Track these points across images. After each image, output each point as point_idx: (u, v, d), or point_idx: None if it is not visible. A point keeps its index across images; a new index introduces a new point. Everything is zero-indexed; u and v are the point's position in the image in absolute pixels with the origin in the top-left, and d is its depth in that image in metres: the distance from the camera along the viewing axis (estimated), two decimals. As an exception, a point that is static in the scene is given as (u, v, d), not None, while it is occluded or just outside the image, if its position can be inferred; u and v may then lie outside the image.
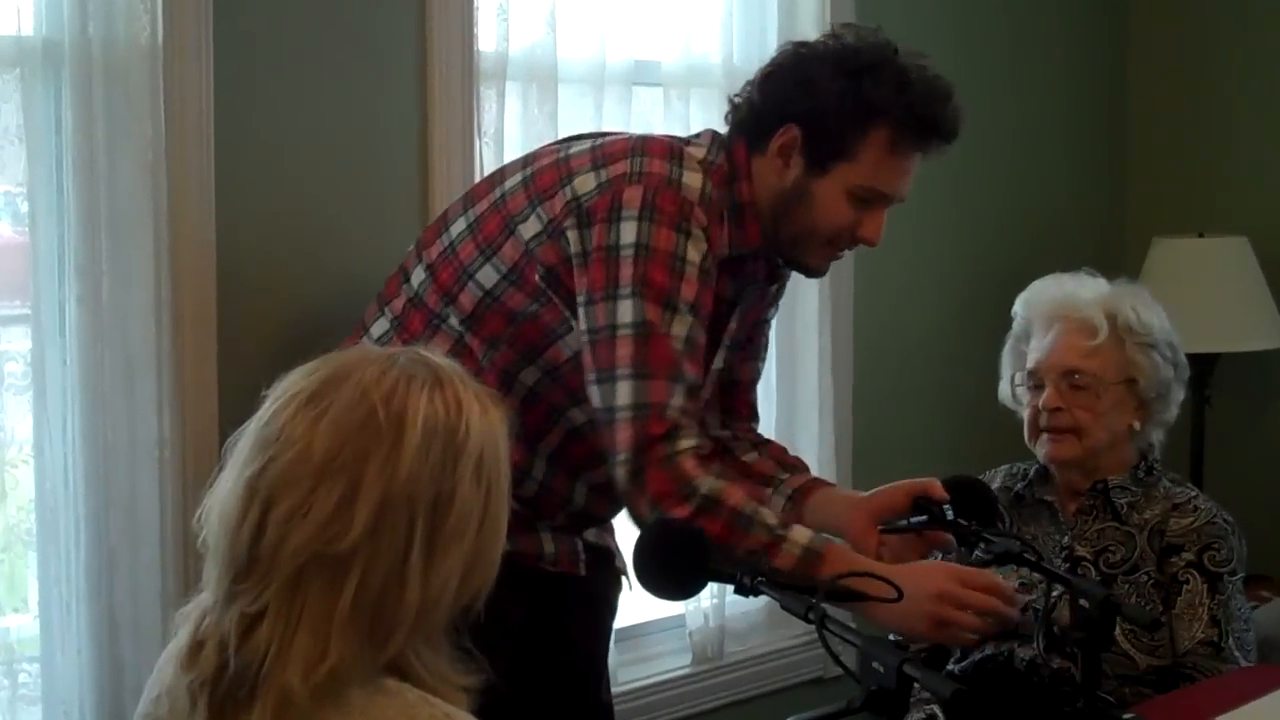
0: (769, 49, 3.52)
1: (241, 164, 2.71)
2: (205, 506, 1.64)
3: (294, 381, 1.64)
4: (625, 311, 2.31)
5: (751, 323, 2.59)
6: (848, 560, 2.27)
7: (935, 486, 2.47)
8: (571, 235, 2.35)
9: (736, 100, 2.50)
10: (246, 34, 2.71)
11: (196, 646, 1.62)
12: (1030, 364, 2.98)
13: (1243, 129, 4.28)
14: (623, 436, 2.29)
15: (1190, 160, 4.35)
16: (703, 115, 3.39)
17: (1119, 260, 4.16)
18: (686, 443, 2.29)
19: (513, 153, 3.03)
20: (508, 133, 3.04)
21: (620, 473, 2.30)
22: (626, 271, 2.31)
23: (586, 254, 2.34)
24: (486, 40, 3.02)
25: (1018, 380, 3.02)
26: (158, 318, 2.56)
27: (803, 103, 2.39)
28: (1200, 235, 4.07)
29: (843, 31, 2.46)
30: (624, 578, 2.67)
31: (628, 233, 2.32)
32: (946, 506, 2.44)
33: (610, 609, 2.72)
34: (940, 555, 2.54)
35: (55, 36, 2.49)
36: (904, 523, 2.44)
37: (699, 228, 2.35)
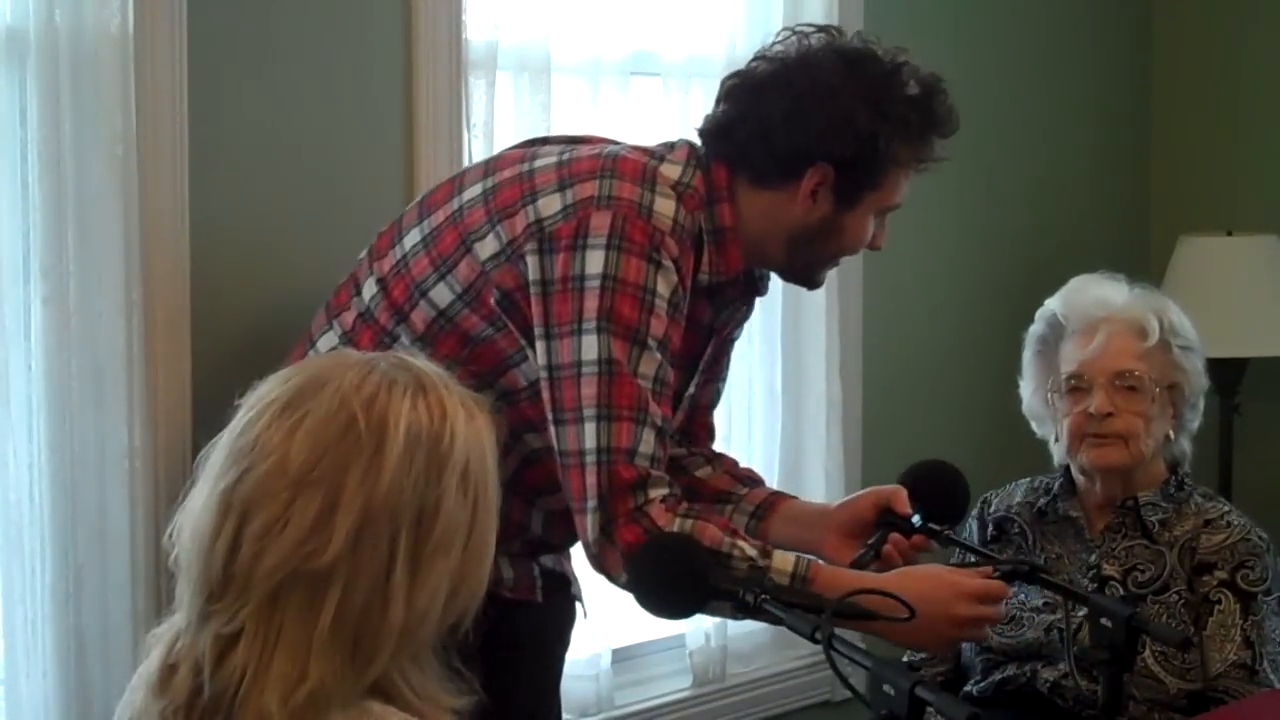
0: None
1: (217, 158, 2.70)
2: (176, 523, 1.64)
3: (268, 389, 1.64)
4: (590, 348, 2.29)
5: (718, 344, 2.58)
6: (839, 579, 2.29)
7: (899, 498, 2.48)
8: (531, 260, 2.32)
9: (720, 121, 2.45)
10: (222, 21, 2.70)
11: (169, 671, 1.62)
12: (1072, 367, 2.95)
13: (1271, 123, 4.28)
14: (590, 482, 2.28)
15: (1217, 156, 4.35)
16: (704, 108, 3.37)
17: (1144, 260, 4.17)
18: (656, 492, 2.29)
19: (503, 146, 3.02)
20: (498, 125, 3.04)
21: (589, 521, 2.29)
22: (592, 304, 2.29)
23: (547, 283, 2.31)
24: (476, 28, 3.01)
25: (1053, 385, 2.99)
26: (128, 320, 2.54)
27: (845, 148, 2.38)
28: (1228, 233, 4.07)
29: (832, 39, 2.44)
30: (579, 604, 2.67)
31: (594, 262, 2.30)
32: (915, 517, 2.46)
33: (563, 639, 2.71)
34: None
35: (20, 25, 2.48)
36: (869, 554, 2.44)
37: (669, 259, 2.33)
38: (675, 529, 2.26)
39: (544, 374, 2.32)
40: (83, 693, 2.54)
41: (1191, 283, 3.83)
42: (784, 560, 2.29)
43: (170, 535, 1.64)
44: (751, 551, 2.28)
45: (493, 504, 1.66)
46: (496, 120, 3.03)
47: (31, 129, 2.49)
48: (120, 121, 2.52)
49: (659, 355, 2.32)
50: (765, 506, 2.58)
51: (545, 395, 2.32)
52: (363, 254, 2.53)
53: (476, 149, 3.00)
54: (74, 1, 2.48)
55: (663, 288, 2.32)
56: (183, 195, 2.64)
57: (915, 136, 2.42)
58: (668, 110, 3.32)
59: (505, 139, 3.04)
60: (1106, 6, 4.34)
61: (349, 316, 2.47)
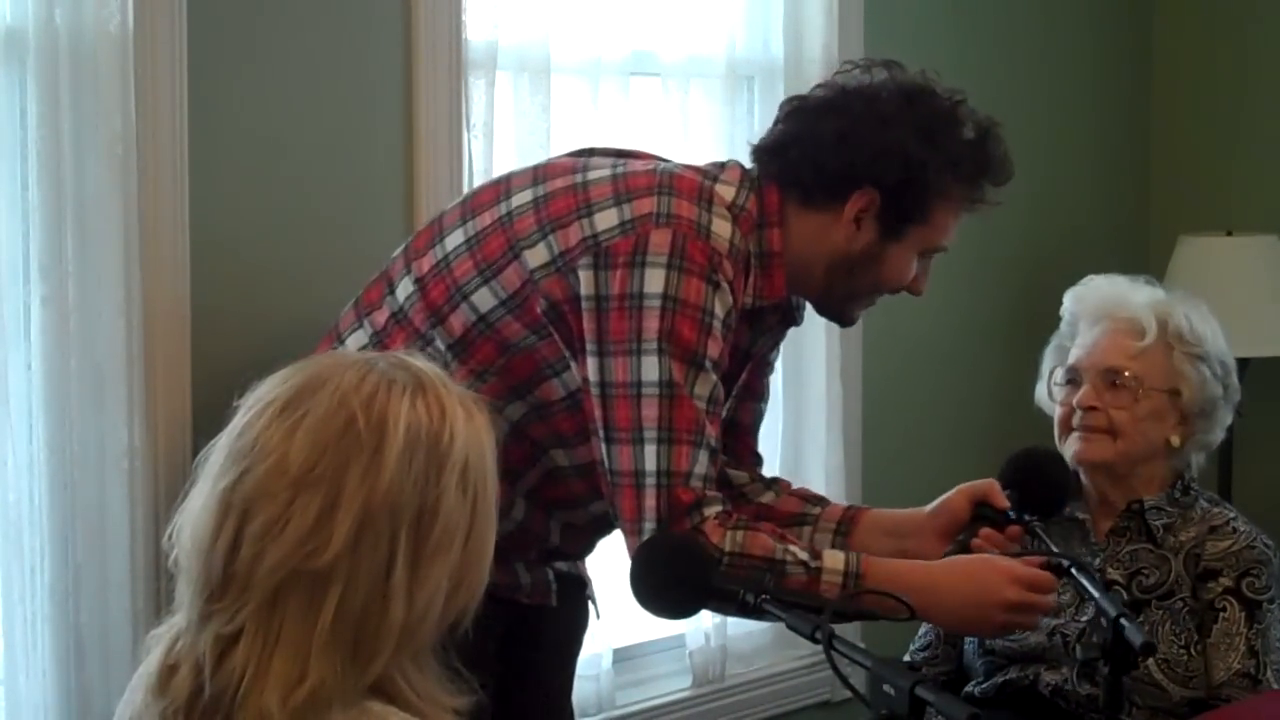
0: (773, 39, 3.53)
1: (216, 159, 2.70)
2: (176, 524, 1.64)
3: (267, 390, 1.64)
4: (650, 369, 2.28)
5: (752, 368, 2.58)
6: (888, 572, 2.31)
7: (995, 492, 2.51)
8: (585, 275, 2.30)
9: (775, 140, 2.46)
10: (222, 21, 2.70)
11: (168, 671, 1.62)
12: (1071, 360, 2.97)
13: (1271, 123, 4.27)
14: (649, 504, 2.28)
15: (1217, 156, 4.35)
16: (704, 108, 3.39)
17: (1144, 260, 4.16)
18: (710, 510, 2.29)
19: (503, 147, 3.03)
20: (498, 125, 3.03)
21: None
22: (652, 323, 2.28)
23: (602, 299, 2.30)
24: (476, 28, 3.01)
25: (1056, 377, 3.00)
26: (127, 320, 2.54)
27: (893, 173, 2.38)
28: (1228, 233, 4.07)
29: (894, 73, 2.45)
30: (592, 605, 2.68)
31: (654, 281, 2.28)
32: (1009, 511, 2.49)
33: (577, 641, 2.72)
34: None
35: (19, 24, 2.48)
36: (957, 549, 2.50)
37: (725, 281, 2.32)
38: (729, 545, 2.26)
39: (595, 390, 2.31)
40: (82, 692, 2.54)
41: (1192, 283, 3.81)
42: (834, 559, 2.30)
43: (170, 536, 1.64)
44: (803, 555, 2.29)
45: (491, 502, 1.66)
46: (496, 120, 3.03)
47: (31, 129, 2.48)
48: (120, 121, 2.51)
49: (713, 376, 2.31)
50: (848, 522, 2.57)
51: (597, 413, 2.31)
52: (397, 252, 2.51)
53: (476, 149, 3.00)
54: (74, 1, 2.48)
55: (719, 309, 2.31)
56: (183, 195, 2.64)
57: (966, 175, 2.43)
58: (668, 110, 3.32)
59: (505, 139, 3.04)
60: (1106, 7, 4.34)
61: (381, 316, 2.45)
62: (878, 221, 2.41)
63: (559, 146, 2.94)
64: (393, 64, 2.93)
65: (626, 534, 2.31)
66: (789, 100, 2.52)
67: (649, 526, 2.27)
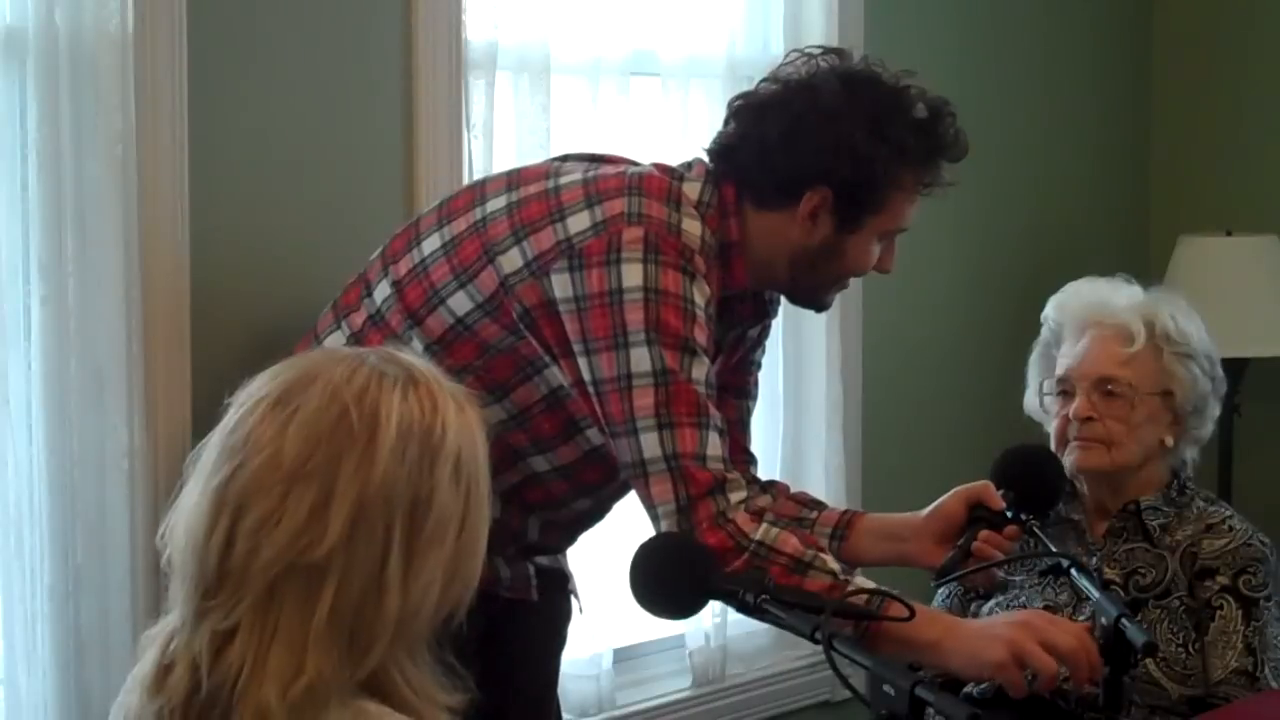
0: (773, 39, 3.53)
1: (217, 159, 2.69)
2: (169, 523, 1.64)
3: (258, 386, 1.64)
4: (640, 359, 2.29)
5: (733, 366, 2.58)
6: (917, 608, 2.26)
7: (990, 493, 2.52)
8: (558, 279, 2.32)
9: (725, 141, 2.47)
10: (222, 21, 2.70)
11: (164, 670, 1.61)
12: (1060, 371, 2.96)
13: (1271, 123, 4.27)
14: (659, 490, 2.29)
15: (1217, 156, 4.34)
16: (704, 108, 3.38)
17: (1144, 260, 4.16)
18: (737, 496, 2.30)
19: (503, 147, 3.03)
20: (498, 125, 3.03)
21: (665, 526, 2.29)
22: (636, 316, 2.29)
23: (581, 300, 2.31)
24: (476, 28, 3.00)
25: (1046, 388, 2.99)
26: (127, 321, 2.54)
27: (843, 171, 2.38)
28: (1228, 233, 4.06)
29: (838, 62, 2.45)
30: (574, 599, 2.68)
31: (632, 275, 2.30)
32: (1006, 511, 2.50)
33: (560, 635, 2.72)
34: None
35: (19, 24, 2.48)
36: (959, 554, 2.48)
37: (700, 274, 2.35)
38: (759, 535, 2.27)
39: (590, 390, 2.33)
40: (82, 692, 2.54)
41: (1191, 283, 3.81)
42: (865, 584, 2.27)
43: (162, 536, 1.65)
44: (834, 565, 2.29)
45: (484, 495, 1.67)
46: (496, 120, 3.03)
47: (31, 129, 2.48)
48: (120, 121, 2.51)
49: (705, 360, 2.33)
50: (844, 525, 2.57)
51: (597, 411, 2.33)
52: (375, 254, 2.52)
53: (476, 149, 2.99)
54: (74, 1, 2.48)
55: (699, 298, 2.33)
56: (183, 195, 2.63)
57: (917, 161, 2.42)
58: (668, 110, 3.32)
59: (505, 139, 3.04)
60: (1106, 7, 4.33)
61: (358, 317, 2.46)
62: (834, 216, 2.41)
63: (559, 146, 2.94)
64: (393, 64, 2.93)
65: (651, 520, 2.33)
66: (737, 98, 2.53)
67: (667, 509, 2.29)
